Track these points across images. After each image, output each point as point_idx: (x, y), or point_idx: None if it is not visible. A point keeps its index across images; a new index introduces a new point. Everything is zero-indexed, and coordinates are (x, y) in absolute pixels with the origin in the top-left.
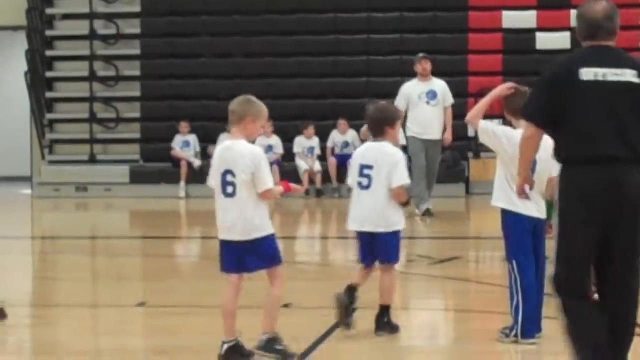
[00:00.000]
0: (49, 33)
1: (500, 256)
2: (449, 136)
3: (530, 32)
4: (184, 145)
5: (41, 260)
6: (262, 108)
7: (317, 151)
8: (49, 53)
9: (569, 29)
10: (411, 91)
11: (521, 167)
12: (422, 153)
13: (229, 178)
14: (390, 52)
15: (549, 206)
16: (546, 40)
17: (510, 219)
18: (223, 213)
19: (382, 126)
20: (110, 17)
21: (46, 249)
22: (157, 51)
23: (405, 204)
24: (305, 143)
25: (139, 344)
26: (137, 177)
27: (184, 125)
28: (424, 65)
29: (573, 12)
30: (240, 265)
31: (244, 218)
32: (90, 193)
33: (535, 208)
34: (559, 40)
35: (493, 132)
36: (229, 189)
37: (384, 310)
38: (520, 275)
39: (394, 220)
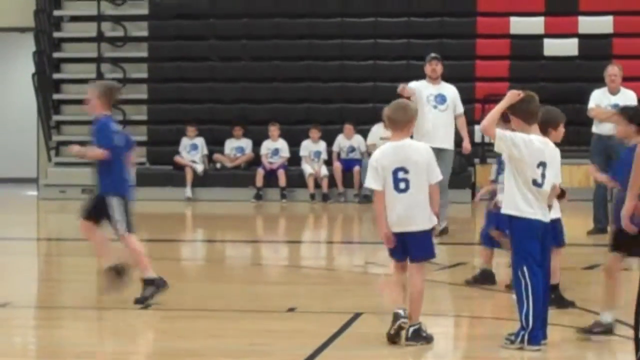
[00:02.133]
0: (56, 35)
1: (506, 262)
2: (467, 145)
3: (537, 38)
4: (192, 148)
5: (47, 262)
6: (415, 109)
7: (324, 155)
8: (56, 55)
9: (577, 35)
10: (418, 92)
11: (635, 183)
12: None
13: (401, 175)
14: (397, 57)
15: None
16: (553, 47)
17: (518, 225)
18: (393, 207)
19: (546, 127)
20: (117, 20)
21: (52, 251)
22: (164, 54)
23: (559, 197)
24: (312, 147)
25: (144, 346)
26: (143, 180)
27: (191, 129)
28: (433, 66)
29: (580, 19)
30: (405, 254)
31: (415, 209)
32: None
33: (541, 212)
34: (566, 47)
35: (511, 140)
36: (402, 185)
37: (554, 288)
38: (531, 281)
39: (553, 211)
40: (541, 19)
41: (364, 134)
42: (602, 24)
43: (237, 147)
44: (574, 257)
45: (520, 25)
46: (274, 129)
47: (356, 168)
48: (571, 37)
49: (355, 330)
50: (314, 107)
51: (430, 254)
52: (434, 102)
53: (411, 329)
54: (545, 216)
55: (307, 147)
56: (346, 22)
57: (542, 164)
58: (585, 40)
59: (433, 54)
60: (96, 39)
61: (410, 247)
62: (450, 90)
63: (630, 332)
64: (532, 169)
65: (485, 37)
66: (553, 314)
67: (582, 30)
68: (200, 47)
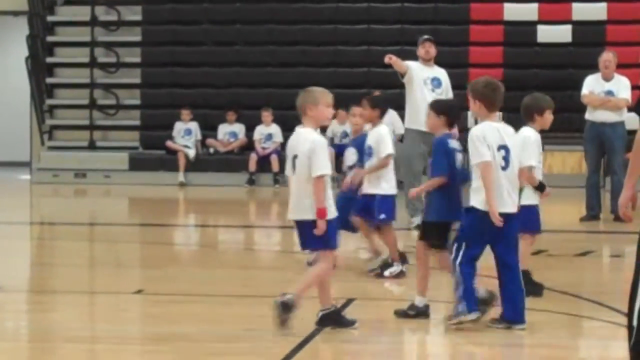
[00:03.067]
0: (50, 18)
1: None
2: (455, 131)
3: (531, 25)
4: (186, 133)
5: (39, 246)
6: (318, 94)
7: None
8: (49, 38)
9: (570, 22)
10: (414, 72)
11: (633, 170)
12: (419, 158)
13: (295, 160)
14: (391, 42)
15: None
16: (547, 33)
17: (477, 216)
18: (291, 193)
19: (531, 113)
20: (111, 3)
21: (44, 235)
22: (158, 38)
23: (539, 189)
24: None
25: (136, 331)
26: (136, 164)
27: (185, 113)
28: (427, 48)
29: (574, 5)
30: (303, 244)
31: (299, 198)
32: (89, 179)
33: (502, 204)
34: (559, 33)
35: (485, 153)
36: (293, 170)
37: (523, 274)
38: (462, 258)
39: (528, 197)
40: (535, 5)
41: None
42: (596, 11)
43: (230, 132)
44: (566, 243)
45: (514, 11)
46: (267, 114)
47: None
48: (565, 23)
49: (348, 315)
50: None
51: (319, 244)
52: (431, 85)
53: (320, 314)
54: (513, 206)
55: None
56: (340, 8)
57: (502, 147)
58: (579, 26)
59: (426, 36)
60: (90, 22)
61: (305, 238)
62: (443, 75)
63: (622, 319)
64: (494, 153)
65: (479, 23)
66: (535, 299)
67: (575, 16)
68: (194, 31)
